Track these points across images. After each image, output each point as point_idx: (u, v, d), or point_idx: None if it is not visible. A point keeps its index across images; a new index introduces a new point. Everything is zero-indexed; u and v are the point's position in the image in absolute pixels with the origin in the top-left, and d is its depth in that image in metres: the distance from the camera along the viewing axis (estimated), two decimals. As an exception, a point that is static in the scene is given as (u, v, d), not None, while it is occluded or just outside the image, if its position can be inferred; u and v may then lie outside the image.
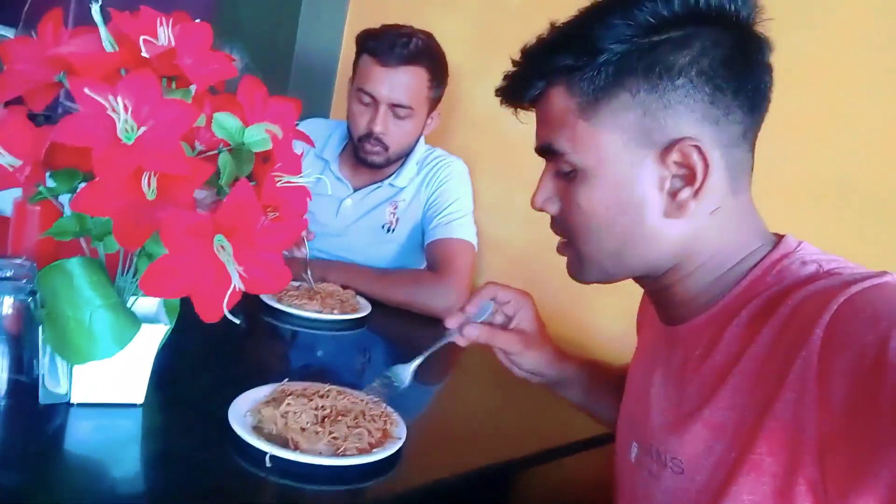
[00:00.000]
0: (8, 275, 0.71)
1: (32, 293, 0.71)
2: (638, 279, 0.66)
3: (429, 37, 1.45)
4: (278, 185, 0.68)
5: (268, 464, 0.68)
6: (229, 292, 0.58)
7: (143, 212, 0.60)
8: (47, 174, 0.65)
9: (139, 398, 0.74)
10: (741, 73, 0.57)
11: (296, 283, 1.27)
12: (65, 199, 0.66)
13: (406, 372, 0.82)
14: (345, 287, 1.32)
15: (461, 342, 0.78)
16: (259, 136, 0.67)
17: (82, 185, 0.65)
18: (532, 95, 0.62)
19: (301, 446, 0.70)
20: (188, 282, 0.58)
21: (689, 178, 0.57)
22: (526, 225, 1.58)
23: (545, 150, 0.63)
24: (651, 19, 0.56)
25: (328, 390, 0.82)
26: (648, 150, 0.57)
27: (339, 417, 0.76)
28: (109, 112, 0.58)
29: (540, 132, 0.64)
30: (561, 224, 0.65)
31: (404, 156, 1.52)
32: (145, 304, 0.75)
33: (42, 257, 0.70)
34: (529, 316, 0.81)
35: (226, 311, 0.59)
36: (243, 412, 0.75)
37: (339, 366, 1.13)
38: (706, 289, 0.60)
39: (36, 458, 0.64)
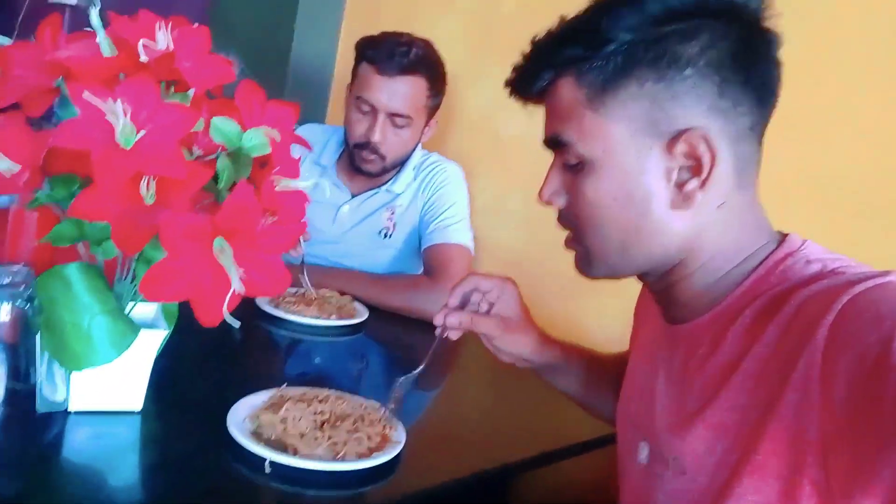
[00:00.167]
0: (5, 282, 0.70)
1: (30, 300, 0.70)
2: (642, 277, 0.65)
3: (428, 45, 1.45)
4: (276, 188, 0.68)
5: (267, 469, 0.67)
6: (229, 295, 0.58)
7: (141, 216, 0.59)
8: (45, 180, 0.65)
9: (137, 405, 0.74)
10: (749, 65, 0.57)
11: (293, 290, 1.27)
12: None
13: (409, 381, 0.83)
14: (342, 293, 1.32)
15: (452, 335, 0.78)
16: (257, 140, 0.67)
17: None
18: (540, 87, 0.63)
19: (300, 451, 0.70)
20: (187, 285, 0.58)
21: (695, 169, 0.57)
22: (521, 227, 1.58)
23: (552, 143, 0.63)
24: (660, 10, 0.56)
25: (327, 395, 0.81)
26: (656, 140, 0.57)
27: (338, 422, 0.76)
28: (108, 116, 0.58)
29: (547, 124, 0.64)
30: (568, 218, 0.65)
31: (401, 163, 1.52)
32: (144, 311, 0.75)
33: (39, 264, 0.70)
34: (511, 301, 0.81)
35: (226, 315, 0.59)
36: (242, 418, 0.74)
37: (336, 371, 1.13)
38: (710, 287, 0.61)
39: (34, 467, 0.63)
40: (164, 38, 0.65)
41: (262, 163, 0.69)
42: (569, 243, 0.67)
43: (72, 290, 0.66)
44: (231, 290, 0.58)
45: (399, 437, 0.77)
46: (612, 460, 0.75)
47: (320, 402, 0.79)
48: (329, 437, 0.72)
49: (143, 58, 0.62)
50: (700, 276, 0.61)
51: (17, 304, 0.69)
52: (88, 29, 0.65)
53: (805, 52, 1.09)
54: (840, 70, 1.11)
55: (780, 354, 0.52)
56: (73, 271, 0.67)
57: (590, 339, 1.40)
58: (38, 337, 0.69)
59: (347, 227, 1.53)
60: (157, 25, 0.64)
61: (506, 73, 0.66)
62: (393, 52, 1.39)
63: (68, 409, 0.71)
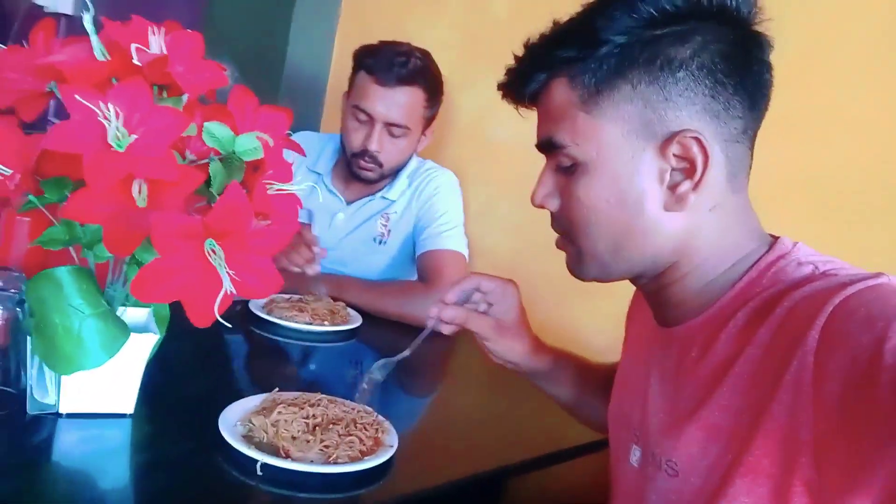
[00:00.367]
0: (-4, 285, 0.71)
1: (21, 303, 0.70)
2: (634, 279, 0.66)
3: (426, 55, 1.46)
4: (269, 192, 0.68)
5: (259, 472, 0.67)
6: (220, 296, 0.58)
7: (133, 219, 0.59)
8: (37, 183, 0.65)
9: (129, 408, 0.74)
10: (742, 68, 0.58)
11: (286, 295, 1.27)
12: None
13: (390, 366, 0.82)
14: (335, 299, 1.32)
15: (445, 329, 0.77)
16: (250, 144, 0.68)
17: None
18: (533, 89, 0.63)
19: (292, 454, 0.70)
20: (179, 285, 0.58)
21: (688, 171, 0.57)
22: (512, 232, 1.59)
23: (545, 145, 0.63)
24: (653, 13, 0.57)
25: (319, 399, 0.81)
26: (649, 142, 0.58)
27: (331, 426, 0.76)
28: (100, 119, 0.58)
29: (540, 127, 0.64)
30: (560, 220, 0.65)
31: (397, 171, 1.53)
32: (135, 314, 0.75)
33: (30, 267, 0.70)
34: (510, 304, 0.80)
35: (217, 316, 0.59)
36: (234, 421, 0.74)
37: (329, 377, 1.13)
38: (702, 290, 0.61)
39: (24, 470, 0.63)
40: (156, 43, 0.65)
41: (255, 167, 0.70)
42: (560, 244, 0.67)
43: (63, 293, 0.66)
44: (222, 291, 0.58)
45: (391, 441, 0.77)
46: (605, 464, 0.75)
47: (312, 406, 0.79)
48: (321, 441, 0.72)
49: (136, 61, 0.62)
50: (692, 279, 0.61)
51: (7, 307, 0.69)
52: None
53: (800, 53, 1.11)
54: (835, 72, 1.12)
55: (773, 356, 0.52)
56: (64, 274, 0.67)
57: (582, 342, 1.41)
58: (28, 340, 0.69)
59: (343, 233, 1.53)
60: (149, 30, 0.65)
61: (497, 79, 0.66)
62: (391, 63, 1.39)
63: (59, 412, 0.71)
